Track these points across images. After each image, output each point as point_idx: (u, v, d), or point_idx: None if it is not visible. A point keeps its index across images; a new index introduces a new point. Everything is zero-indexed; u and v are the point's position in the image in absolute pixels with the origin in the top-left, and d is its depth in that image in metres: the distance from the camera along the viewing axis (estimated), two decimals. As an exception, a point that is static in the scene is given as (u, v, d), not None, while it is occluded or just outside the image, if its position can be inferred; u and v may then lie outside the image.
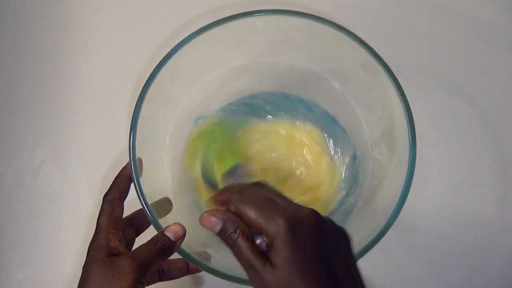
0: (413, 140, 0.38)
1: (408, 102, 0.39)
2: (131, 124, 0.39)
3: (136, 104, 0.39)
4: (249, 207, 0.29)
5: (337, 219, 0.44)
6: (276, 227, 0.27)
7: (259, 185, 0.32)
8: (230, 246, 0.29)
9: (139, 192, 0.37)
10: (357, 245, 0.37)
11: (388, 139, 0.42)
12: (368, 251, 0.36)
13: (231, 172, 0.46)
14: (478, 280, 0.47)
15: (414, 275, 0.47)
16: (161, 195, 0.41)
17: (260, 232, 0.28)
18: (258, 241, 0.28)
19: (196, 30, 0.41)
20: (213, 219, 0.29)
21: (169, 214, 0.41)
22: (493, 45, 0.54)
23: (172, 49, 0.40)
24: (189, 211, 0.45)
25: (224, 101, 0.49)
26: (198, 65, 0.45)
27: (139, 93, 0.39)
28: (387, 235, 0.36)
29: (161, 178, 0.44)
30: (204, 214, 0.30)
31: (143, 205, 0.37)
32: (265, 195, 0.30)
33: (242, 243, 0.28)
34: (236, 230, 0.28)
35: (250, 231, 0.29)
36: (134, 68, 0.53)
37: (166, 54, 0.40)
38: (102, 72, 0.54)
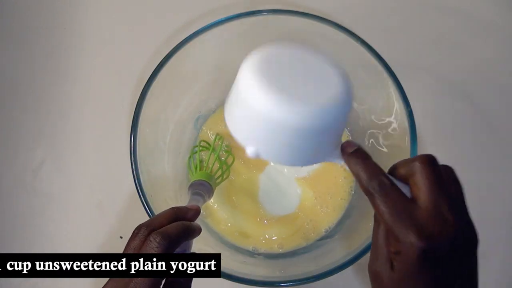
0: (414, 140, 0.38)
1: (409, 102, 0.39)
2: (132, 123, 0.39)
3: (137, 103, 0.39)
4: (385, 207, 0.26)
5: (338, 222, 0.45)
6: (408, 241, 0.25)
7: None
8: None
9: (139, 190, 0.38)
10: (358, 245, 0.37)
11: (389, 139, 0.42)
12: (368, 251, 0.36)
13: None
14: (478, 280, 0.47)
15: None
16: (162, 194, 0.41)
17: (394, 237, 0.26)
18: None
19: (197, 30, 0.41)
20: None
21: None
22: (495, 45, 0.54)
23: (173, 48, 0.41)
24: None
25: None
26: (198, 65, 0.45)
27: (140, 92, 0.40)
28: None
29: (162, 176, 0.44)
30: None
31: (143, 203, 0.37)
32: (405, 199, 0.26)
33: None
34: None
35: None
36: (135, 68, 0.53)
37: (167, 54, 0.40)
38: (102, 72, 0.54)
